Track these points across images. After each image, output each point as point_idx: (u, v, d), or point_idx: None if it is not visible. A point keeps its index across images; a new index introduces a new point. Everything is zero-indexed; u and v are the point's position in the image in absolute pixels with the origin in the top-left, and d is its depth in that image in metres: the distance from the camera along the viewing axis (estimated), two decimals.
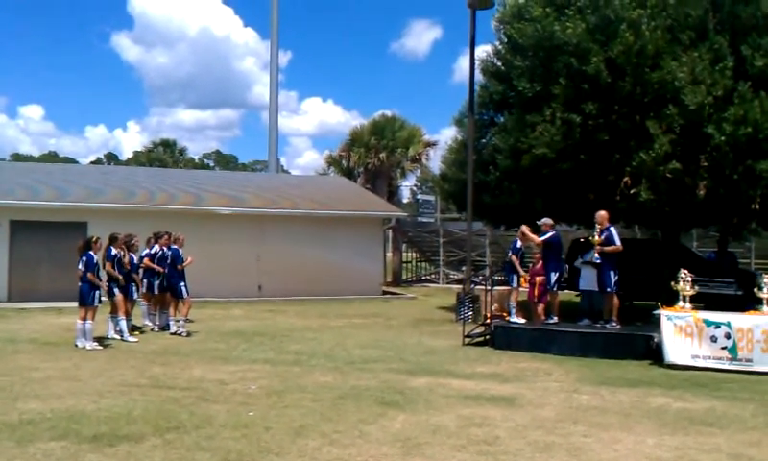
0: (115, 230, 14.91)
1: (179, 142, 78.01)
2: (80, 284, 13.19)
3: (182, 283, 15.26)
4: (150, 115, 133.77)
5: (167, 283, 15.43)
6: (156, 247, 15.97)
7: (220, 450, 6.80)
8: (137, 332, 14.87)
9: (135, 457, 6.63)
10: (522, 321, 14.37)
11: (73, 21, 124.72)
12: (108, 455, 6.68)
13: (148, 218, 20.87)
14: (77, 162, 71.82)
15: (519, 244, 15.01)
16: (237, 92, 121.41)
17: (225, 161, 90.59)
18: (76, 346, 13.03)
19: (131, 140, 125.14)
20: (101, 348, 13.08)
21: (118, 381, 10.09)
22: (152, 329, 15.62)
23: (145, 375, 10.63)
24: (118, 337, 14.05)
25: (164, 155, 70.07)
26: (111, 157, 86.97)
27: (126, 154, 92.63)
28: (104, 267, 13.84)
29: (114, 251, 14.03)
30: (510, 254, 15.19)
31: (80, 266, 13.19)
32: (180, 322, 15.11)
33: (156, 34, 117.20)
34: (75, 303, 13.55)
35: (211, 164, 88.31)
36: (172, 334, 14.94)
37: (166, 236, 16.04)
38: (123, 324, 14.11)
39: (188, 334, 14.94)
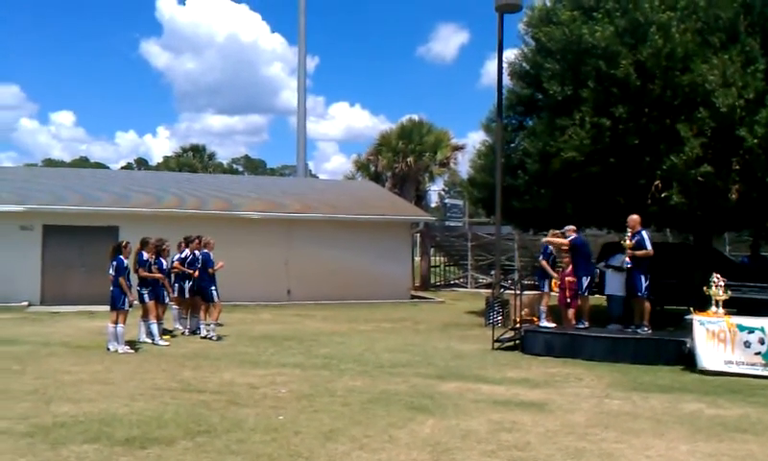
0: (146, 234, 15.05)
1: (207, 147, 78.71)
2: (111, 288, 13.33)
3: (213, 287, 15.36)
4: (179, 121, 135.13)
5: (198, 287, 15.55)
6: (187, 251, 16.10)
7: (250, 454, 6.83)
8: (168, 336, 14.98)
9: (166, 460, 6.68)
10: (552, 325, 14.25)
11: (102, 29, 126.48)
12: (139, 458, 6.74)
13: (178, 222, 21.03)
14: (107, 168, 72.70)
15: (550, 248, 14.91)
16: (265, 97, 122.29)
17: (253, 166, 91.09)
18: (108, 349, 13.15)
19: (160, 145, 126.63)
20: (132, 351, 13.20)
21: (149, 385, 10.18)
22: (182, 333, 15.74)
23: (176, 378, 10.71)
24: (149, 341, 14.17)
25: (193, 160, 70.57)
26: (141, 163, 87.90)
27: (156, 159, 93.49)
28: (135, 271, 13.99)
29: (146, 255, 14.18)
30: (540, 258, 15.13)
31: (110, 270, 13.34)
32: (211, 326, 15.21)
33: (184, 40, 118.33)
34: (106, 307, 13.71)
35: (240, 169, 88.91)
36: (202, 338, 15.04)
37: (197, 240, 16.18)
38: (154, 327, 14.23)
39: (218, 338, 15.02)
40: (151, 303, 14.18)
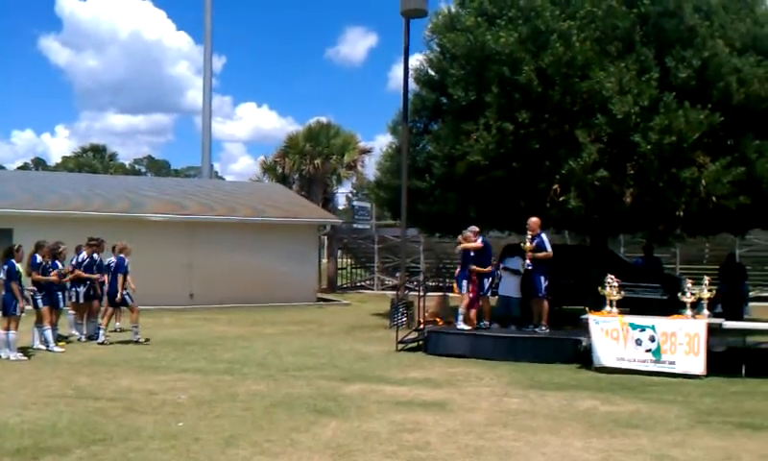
0: (42, 237, 14.49)
1: (109, 147, 76.55)
2: (2, 293, 12.80)
3: (126, 291, 15.07)
4: (79, 120, 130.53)
5: (109, 292, 15.19)
6: (84, 254, 15.64)
7: None
8: (64, 342, 14.49)
9: None
10: (468, 327, 14.13)
11: None
12: None
13: (76, 225, 20.36)
14: (3, 168, 69.63)
15: (472, 254, 14.40)
16: (170, 97, 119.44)
17: (157, 167, 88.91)
18: None
19: (59, 145, 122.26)
20: (25, 358, 12.72)
21: (43, 392, 9.82)
22: (79, 339, 15.26)
23: (71, 385, 10.37)
24: (44, 347, 13.67)
25: (94, 160, 68.50)
26: (39, 163, 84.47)
27: (54, 159, 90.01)
28: (28, 275, 13.48)
29: (39, 259, 13.66)
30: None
31: (1, 275, 12.81)
32: (136, 328, 15.16)
33: (85, 36, 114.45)
34: None
35: (143, 170, 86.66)
36: (100, 343, 14.72)
37: (94, 242, 15.77)
38: (48, 333, 13.73)
39: (146, 340, 15.04)
40: (45, 309, 13.67)
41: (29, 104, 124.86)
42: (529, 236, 13.78)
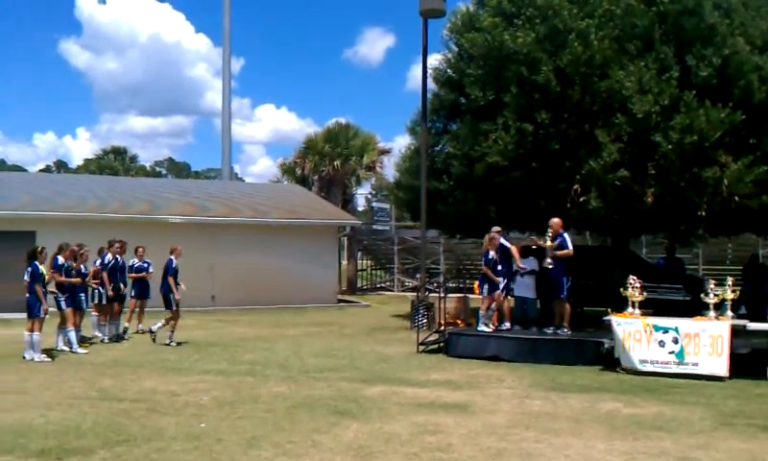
0: (65, 239, 14.66)
1: (130, 150, 76.90)
2: (27, 295, 12.94)
3: (172, 294, 15.19)
4: (100, 122, 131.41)
5: (162, 293, 15.34)
6: (109, 256, 15.77)
7: None
8: (87, 344, 14.62)
9: None
10: (490, 330, 13.98)
11: (19, 27, 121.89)
12: None
13: (99, 227, 20.57)
14: (25, 170, 70.38)
15: (491, 254, 14.30)
16: (189, 99, 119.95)
17: (177, 169, 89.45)
18: (24, 358, 12.76)
19: (80, 148, 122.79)
20: (49, 360, 12.85)
21: (67, 394, 9.92)
22: (102, 341, 15.39)
23: (95, 387, 10.46)
24: (67, 349, 13.80)
25: (115, 162, 68.96)
26: (61, 165, 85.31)
27: (76, 161, 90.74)
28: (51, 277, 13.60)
29: (61, 260, 13.79)
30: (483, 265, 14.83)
31: (25, 277, 12.94)
32: (170, 333, 15.21)
33: (105, 40, 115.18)
34: (23, 315, 13.29)
35: (163, 172, 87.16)
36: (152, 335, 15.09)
37: (118, 244, 15.90)
38: (72, 335, 13.87)
39: (178, 344, 15.05)
40: (68, 311, 13.81)
41: (50, 107, 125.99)
42: (549, 234, 13.64)
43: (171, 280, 15.14)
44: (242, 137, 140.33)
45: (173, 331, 15.18)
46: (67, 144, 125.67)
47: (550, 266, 13.60)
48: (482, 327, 14.06)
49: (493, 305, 14.14)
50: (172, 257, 15.39)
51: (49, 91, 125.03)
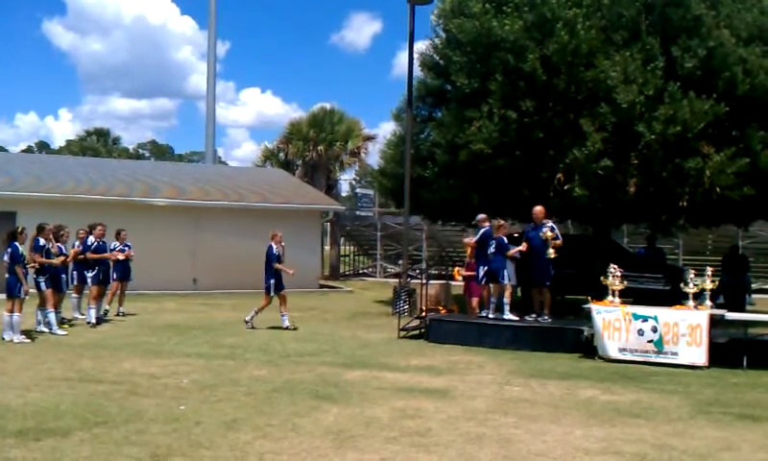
0: (46, 220, 14.50)
1: (112, 131, 76.49)
2: (6, 276, 12.83)
3: (272, 281, 15.11)
4: (83, 103, 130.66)
5: (267, 280, 15.22)
6: (92, 238, 15.64)
7: (149, 445, 6.68)
8: (66, 325, 14.53)
9: (61, 452, 6.47)
10: (516, 318, 13.67)
11: (2, 7, 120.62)
12: (32, 450, 6.50)
13: (80, 208, 20.39)
14: (6, 151, 69.63)
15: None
16: (173, 81, 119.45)
17: (160, 152, 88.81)
18: (2, 339, 12.66)
19: (63, 129, 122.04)
20: (29, 341, 12.76)
21: (46, 375, 9.86)
22: (88, 323, 15.12)
23: (73, 368, 10.41)
24: (46, 330, 13.71)
25: (97, 144, 68.53)
26: (43, 146, 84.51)
27: (58, 143, 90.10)
28: (32, 259, 13.49)
29: (42, 242, 13.67)
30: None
31: (5, 258, 12.84)
32: (285, 316, 15.27)
33: (89, 20, 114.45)
34: (2, 296, 13.18)
35: (146, 155, 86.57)
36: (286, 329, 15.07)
37: (101, 227, 15.77)
38: (51, 316, 13.77)
39: (295, 328, 15.18)
40: (48, 292, 13.70)
41: (32, 87, 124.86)
42: (548, 226, 13.54)
43: (278, 266, 15.06)
44: (226, 121, 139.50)
45: (257, 313, 15.29)
46: (49, 125, 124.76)
47: (552, 256, 13.44)
48: (509, 316, 13.70)
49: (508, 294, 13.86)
50: (272, 243, 15.28)
51: (32, 72, 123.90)
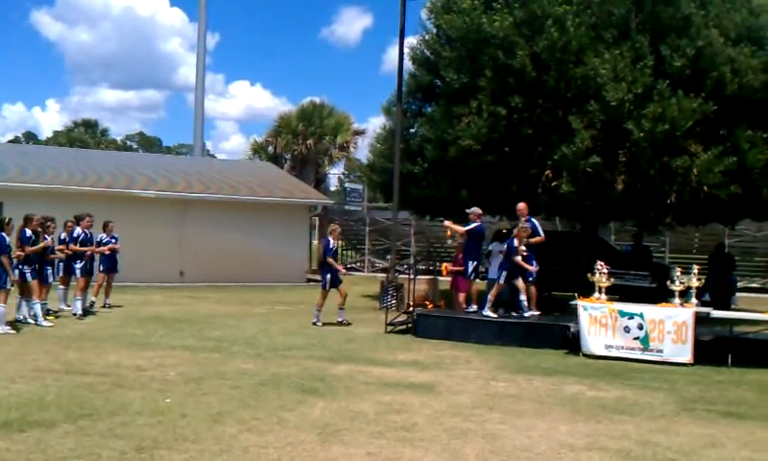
0: (33, 211, 14.40)
1: (100, 123, 76.19)
2: None
3: (328, 275, 14.99)
4: (71, 94, 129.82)
5: (323, 274, 15.24)
6: (78, 229, 15.54)
7: (134, 437, 6.66)
8: (52, 317, 14.46)
9: (46, 444, 6.43)
10: (494, 315, 13.68)
11: None
12: (16, 442, 6.46)
13: (67, 199, 20.30)
14: None
15: (515, 242, 13.69)
16: (162, 73, 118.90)
17: (148, 144, 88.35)
18: None
19: (50, 119, 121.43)
20: (14, 332, 12.68)
21: (31, 366, 9.80)
22: (74, 314, 15.01)
23: (59, 360, 10.35)
24: (32, 321, 13.63)
25: (85, 135, 68.15)
26: (30, 137, 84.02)
27: (45, 133, 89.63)
28: (20, 249, 13.37)
29: (29, 233, 13.57)
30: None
31: None
32: (342, 311, 15.20)
33: (78, 10, 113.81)
34: None
35: (134, 146, 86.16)
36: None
37: (89, 218, 15.67)
38: (37, 307, 13.69)
39: (348, 324, 15.08)
40: (34, 283, 13.60)
41: (20, 77, 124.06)
42: (523, 222, 13.61)
43: (329, 261, 14.96)
44: (215, 113, 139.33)
45: (319, 311, 15.14)
46: (36, 116, 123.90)
47: (525, 253, 13.52)
48: (533, 312, 13.72)
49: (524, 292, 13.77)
50: (330, 238, 15.32)
51: (19, 62, 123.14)
